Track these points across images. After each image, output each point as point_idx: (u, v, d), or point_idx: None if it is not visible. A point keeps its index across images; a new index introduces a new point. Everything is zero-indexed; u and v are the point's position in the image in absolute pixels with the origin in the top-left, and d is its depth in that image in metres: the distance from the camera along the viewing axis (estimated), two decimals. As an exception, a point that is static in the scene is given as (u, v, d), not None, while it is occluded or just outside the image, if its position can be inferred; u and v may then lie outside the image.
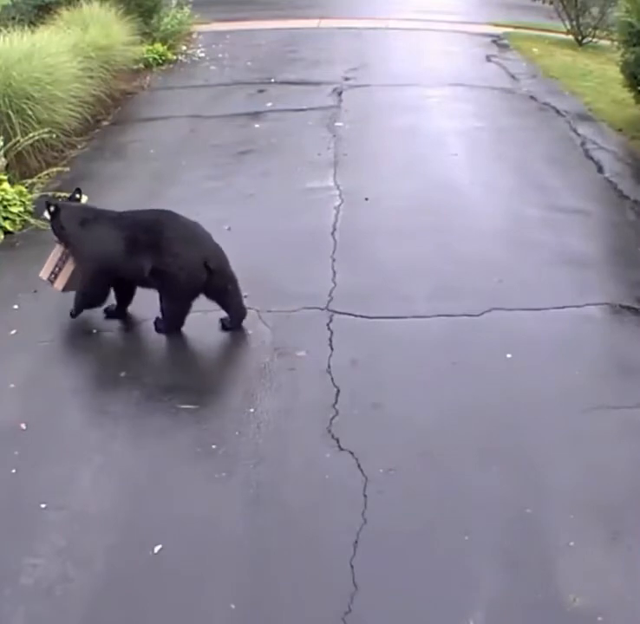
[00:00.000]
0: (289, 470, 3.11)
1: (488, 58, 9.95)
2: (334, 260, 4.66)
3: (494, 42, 10.99)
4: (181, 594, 2.59)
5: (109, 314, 4.14)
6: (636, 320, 4.12)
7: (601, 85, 8.49)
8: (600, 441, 3.25)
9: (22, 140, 5.63)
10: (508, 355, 3.78)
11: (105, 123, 7.60)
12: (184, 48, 10.53)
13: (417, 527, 2.83)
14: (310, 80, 8.84)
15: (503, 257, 4.72)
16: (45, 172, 5.79)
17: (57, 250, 4.06)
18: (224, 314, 4.01)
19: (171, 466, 3.15)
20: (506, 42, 10.98)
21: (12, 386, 3.63)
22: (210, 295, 3.90)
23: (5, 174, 5.35)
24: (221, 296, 3.94)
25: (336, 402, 3.45)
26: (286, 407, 3.45)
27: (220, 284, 3.88)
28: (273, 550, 2.75)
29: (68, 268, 4.05)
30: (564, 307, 4.20)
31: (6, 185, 5.22)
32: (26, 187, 5.42)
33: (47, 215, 4.03)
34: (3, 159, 5.48)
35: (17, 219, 5.16)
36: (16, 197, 5.21)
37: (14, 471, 3.12)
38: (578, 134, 6.97)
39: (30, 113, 5.86)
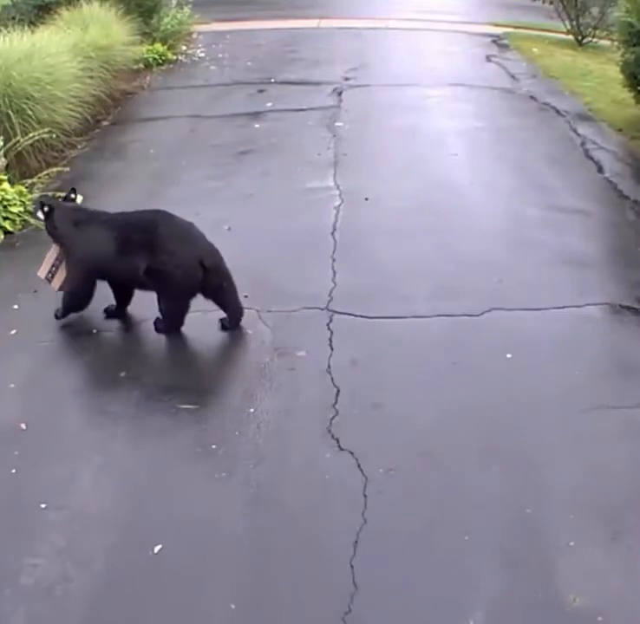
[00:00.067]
0: (289, 470, 3.11)
1: (488, 58, 9.95)
2: (334, 260, 4.66)
3: (494, 42, 10.99)
4: (181, 594, 2.59)
5: (109, 314, 4.14)
6: (636, 320, 4.12)
7: (601, 85, 8.49)
8: (600, 441, 3.25)
9: (22, 140, 5.63)
10: (508, 355, 3.78)
11: (105, 123, 7.60)
12: (184, 48, 10.53)
13: (417, 527, 2.83)
14: (310, 80, 8.84)
15: (503, 257, 4.72)
16: (45, 172, 5.80)
17: (54, 250, 4.07)
18: (223, 314, 4.02)
19: (171, 466, 3.15)
20: (506, 42, 10.98)
21: (12, 386, 3.63)
22: (207, 295, 3.91)
23: (5, 174, 5.35)
24: (218, 295, 3.94)
25: (336, 402, 3.45)
26: (286, 407, 3.45)
27: (216, 282, 3.88)
28: (273, 550, 2.75)
29: (64, 268, 4.06)
30: (564, 307, 4.20)
31: (6, 185, 5.23)
32: (26, 187, 5.42)
33: (40, 215, 4.05)
34: (3, 159, 5.48)
35: (17, 219, 5.16)
36: (16, 197, 5.21)
37: (14, 471, 3.12)
38: (578, 134, 6.97)
39: (30, 113, 5.86)
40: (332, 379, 3.61)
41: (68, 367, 3.92)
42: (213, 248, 3.89)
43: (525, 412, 3.42)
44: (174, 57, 9.99)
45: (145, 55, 9.33)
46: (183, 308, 3.92)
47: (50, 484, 3.05)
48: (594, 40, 11.04)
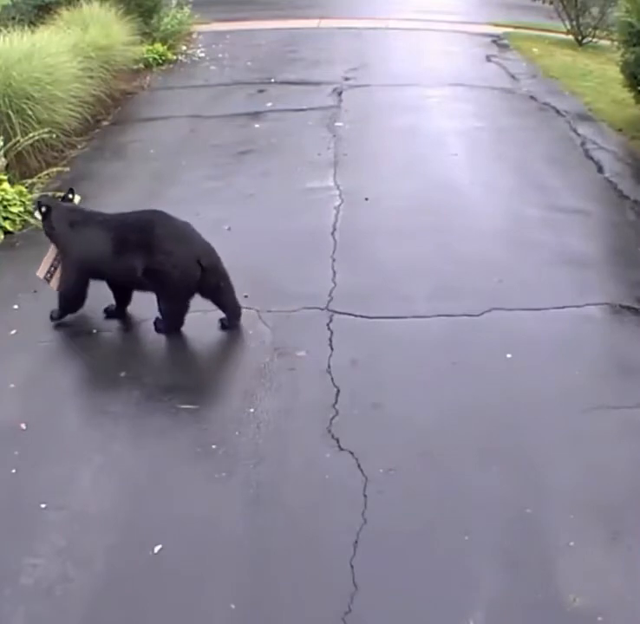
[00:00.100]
0: (289, 470, 3.11)
1: (488, 58, 9.95)
2: (334, 260, 4.66)
3: (494, 42, 10.99)
4: (181, 594, 2.59)
5: (109, 314, 4.14)
6: (636, 320, 4.12)
7: (601, 85, 8.49)
8: (600, 441, 3.25)
9: (22, 140, 5.64)
10: (508, 355, 3.78)
11: (105, 123, 7.60)
12: (184, 48, 10.53)
13: (417, 527, 2.83)
14: (310, 80, 8.84)
15: (503, 257, 4.72)
16: (45, 172, 5.80)
17: (53, 250, 4.07)
18: (223, 314, 4.01)
19: (171, 466, 3.15)
20: (506, 42, 10.98)
21: (12, 386, 3.63)
22: (205, 294, 3.91)
23: (5, 174, 5.36)
24: (216, 295, 3.94)
25: (336, 402, 3.45)
26: (286, 407, 3.45)
27: (214, 282, 3.88)
28: (273, 550, 2.75)
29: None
30: (564, 307, 4.20)
31: (6, 185, 5.23)
32: (26, 187, 5.42)
33: (38, 215, 4.05)
34: (3, 159, 5.49)
35: (17, 219, 5.17)
36: (16, 197, 5.22)
37: (14, 471, 3.12)
38: (578, 134, 6.97)
39: (30, 113, 5.86)
40: (332, 379, 3.61)
41: (68, 367, 3.92)
42: (210, 247, 3.89)
43: (525, 412, 3.42)
44: (174, 57, 9.99)
45: (145, 55, 9.34)
46: (182, 308, 3.92)
47: (50, 484, 3.06)
48: (594, 40, 11.04)
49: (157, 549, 2.75)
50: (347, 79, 8.79)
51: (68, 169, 6.15)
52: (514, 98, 8.24)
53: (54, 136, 6.06)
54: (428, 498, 2.96)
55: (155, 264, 3.76)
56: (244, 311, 4.08)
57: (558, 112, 7.63)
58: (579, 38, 11.17)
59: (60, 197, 4.22)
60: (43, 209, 4.00)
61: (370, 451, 3.16)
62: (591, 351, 3.88)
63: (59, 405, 3.54)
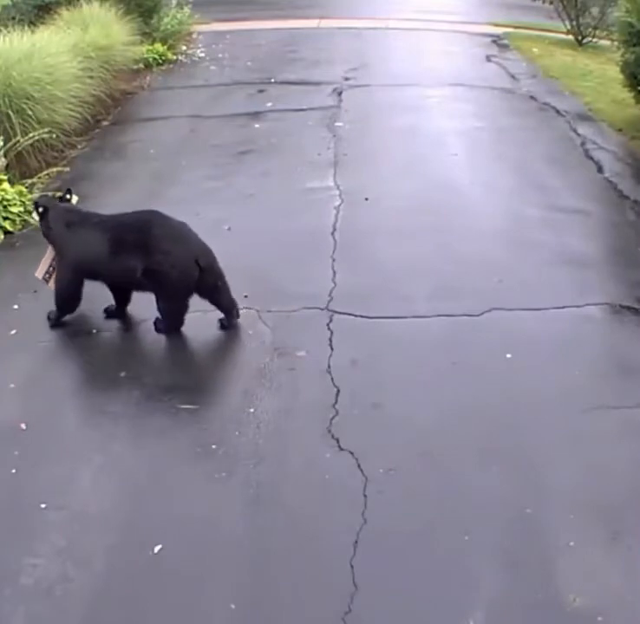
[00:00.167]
0: (289, 470, 3.11)
1: (488, 58, 9.95)
2: (334, 260, 4.66)
3: (494, 42, 10.99)
4: (181, 594, 2.59)
5: (109, 314, 4.14)
6: (636, 320, 4.12)
7: (601, 85, 8.49)
8: (600, 441, 3.25)
9: (22, 140, 5.64)
10: (508, 355, 3.78)
11: (105, 123, 7.60)
12: (184, 48, 10.53)
13: (417, 527, 2.83)
14: (310, 80, 8.84)
15: (503, 257, 4.72)
16: (45, 172, 5.80)
17: (51, 251, 4.08)
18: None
19: (171, 466, 3.15)
20: (506, 42, 10.98)
21: (12, 386, 3.63)
22: (202, 294, 3.91)
23: (5, 174, 5.36)
24: (213, 294, 3.94)
25: (336, 402, 3.45)
26: (286, 407, 3.45)
27: (211, 282, 3.89)
28: (273, 550, 2.75)
29: None
30: (564, 307, 4.20)
31: (6, 185, 5.23)
32: (26, 187, 5.42)
33: (35, 216, 4.06)
34: (3, 159, 5.49)
35: (17, 219, 5.17)
36: (16, 197, 5.22)
37: (14, 471, 3.12)
38: (578, 134, 6.97)
39: (30, 113, 5.86)
40: (332, 379, 3.61)
41: (68, 367, 3.92)
42: (207, 247, 3.89)
43: (525, 412, 3.42)
44: (174, 57, 9.99)
45: (145, 55, 9.34)
46: (181, 308, 3.92)
47: (50, 484, 3.06)
48: (594, 40, 11.04)
49: (157, 549, 2.75)
50: (347, 79, 8.79)
51: (68, 169, 6.15)
52: (514, 98, 8.24)
53: (54, 136, 6.06)
54: (428, 498, 2.96)
55: (154, 264, 3.76)
56: (244, 311, 4.08)
57: (558, 112, 7.63)
58: (579, 38, 11.17)
59: (58, 197, 4.22)
60: (40, 209, 4.01)
61: (370, 451, 3.16)
62: (591, 351, 3.88)
63: (59, 405, 3.54)
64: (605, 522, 2.85)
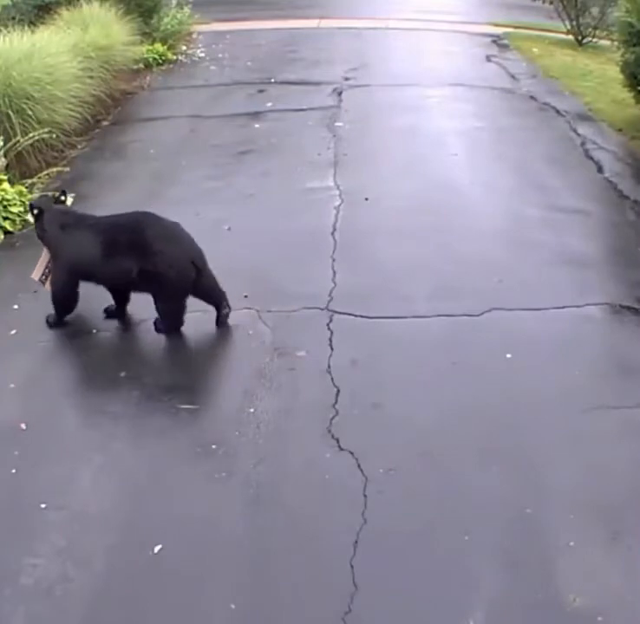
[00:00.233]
0: (289, 470, 3.11)
1: (488, 58, 9.95)
2: (334, 260, 4.66)
3: (494, 42, 10.99)
4: (181, 594, 2.59)
5: (109, 314, 4.14)
6: (636, 320, 4.12)
7: (601, 85, 8.49)
8: (600, 441, 3.25)
9: (22, 140, 5.64)
10: (508, 355, 3.78)
11: (105, 123, 7.60)
12: (184, 48, 10.53)
13: (417, 527, 2.83)
14: (310, 80, 8.84)
15: (503, 257, 4.72)
16: (45, 172, 5.80)
17: (47, 252, 4.07)
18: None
19: (171, 466, 3.15)
20: (506, 42, 10.98)
21: (12, 386, 3.63)
22: (197, 294, 3.92)
23: (5, 174, 5.36)
24: (207, 293, 3.95)
25: (336, 402, 3.45)
26: (286, 407, 3.45)
27: (204, 281, 3.90)
28: (273, 550, 2.75)
29: None
30: (564, 307, 4.21)
31: (6, 185, 5.23)
32: (26, 187, 5.43)
33: (30, 218, 4.05)
34: (3, 159, 5.49)
35: (17, 219, 5.17)
36: (16, 197, 5.22)
37: (14, 471, 3.12)
38: (578, 134, 6.97)
39: (30, 113, 5.86)
40: (332, 379, 3.61)
41: (68, 367, 3.92)
42: (198, 247, 3.90)
43: (525, 412, 3.42)
44: (174, 57, 9.99)
45: (145, 55, 9.34)
46: (180, 308, 3.92)
47: (50, 484, 3.06)
48: (594, 40, 11.04)
49: (157, 549, 2.75)
50: (347, 79, 8.79)
51: (68, 169, 6.15)
52: (514, 98, 8.24)
53: (54, 136, 6.06)
54: (428, 498, 2.96)
55: (150, 265, 3.76)
56: (244, 311, 4.08)
57: (558, 112, 7.63)
58: (579, 38, 11.17)
59: (54, 198, 4.21)
60: (35, 211, 4.01)
61: (370, 451, 3.16)
62: (591, 351, 3.88)
63: (59, 405, 3.54)
64: (605, 522, 2.85)
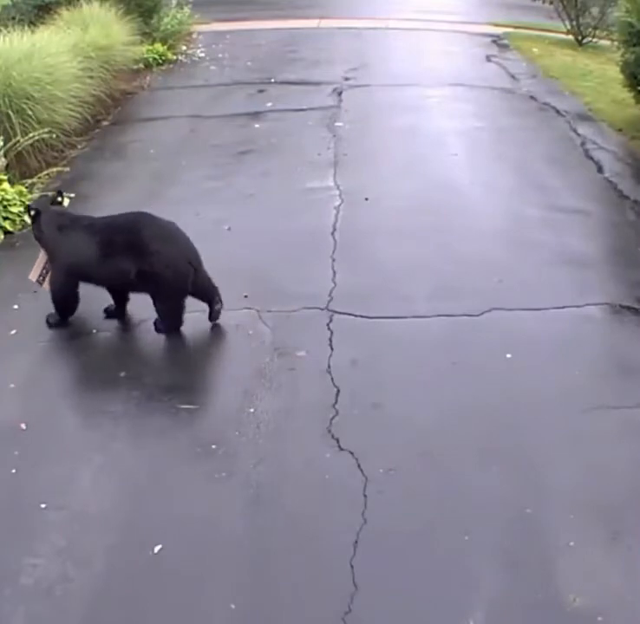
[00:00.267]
0: (289, 470, 3.11)
1: (488, 58, 9.95)
2: (334, 260, 4.66)
3: (494, 42, 10.99)
4: (181, 594, 2.59)
5: (109, 314, 4.14)
6: (636, 320, 4.12)
7: (601, 85, 8.49)
8: (600, 441, 3.25)
9: (22, 140, 5.64)
10: (508, 355, 3.78)
11: (105, 123, 7.60)
12: (184, 48, 10.53)
13: (417, 527, 2.83)
14: (310, 80, 8.84)
15: (503, 257, 4.72)
16: (45, 172, 5.80)
17: (44, 253, 4.07)
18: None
19: (171, 466, 3.15)
20: (506, 42, 10.98)
21: (12, 386, 3.63)
22: (193, 292, 3.92)
23: (5, 174, 5.36)
24: (202, 291, 3.95)
25: (336, 402, 3.45)
26: (286, 407, 3.45)
27: (199, 281, 3.90)
28: (273, 550, 2.75)
29: None
30: (564, 307, 4.21)
31: (6, 185, 5.23)
32: (26, 187, 5.43)
33: (27, 219, 4.05)
34: (3, 159, 5.49)
35: (17, 219, 5.17)
36: (16, 197, 5.22)
37: (14, 471, 3.12)
38: (578, 134, 6.97)
39: (30, 113, 5.86)
40: (332, 379, 3.61)
41: (67, 367, 3.92)
42: (194, 247, 3.90)
43: (525, 412, 3.42)
44: (174, 57, 9.99)
45: (145, 55, 9.33)
46: (179, 308, 3.92)
47: (50, 484, 3.06)
48: (594, 40, 11.04)
49: (157, 549, 2.75)
50: (347, 79, 8.79)
51: (68, 169, 6.15)
52: (514, 98, 8.24)
53: (54, 136, 6.06)
54: (428, 498, 2.96)
55: (147, 266, 3.76)
56: (244, 311, 4.08)
57: (558, 112, 7.63)
58: (579, 38, 11.17)
59: (50, 199, 4.20)
60: (32, 213, 4.01)
61: (370, 451, 3.16)
62: (591, 351, 3.88)
63: (59, 405, 3.54)
64: (605, 522, 2.85)
